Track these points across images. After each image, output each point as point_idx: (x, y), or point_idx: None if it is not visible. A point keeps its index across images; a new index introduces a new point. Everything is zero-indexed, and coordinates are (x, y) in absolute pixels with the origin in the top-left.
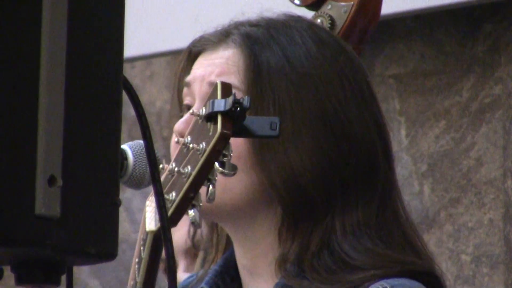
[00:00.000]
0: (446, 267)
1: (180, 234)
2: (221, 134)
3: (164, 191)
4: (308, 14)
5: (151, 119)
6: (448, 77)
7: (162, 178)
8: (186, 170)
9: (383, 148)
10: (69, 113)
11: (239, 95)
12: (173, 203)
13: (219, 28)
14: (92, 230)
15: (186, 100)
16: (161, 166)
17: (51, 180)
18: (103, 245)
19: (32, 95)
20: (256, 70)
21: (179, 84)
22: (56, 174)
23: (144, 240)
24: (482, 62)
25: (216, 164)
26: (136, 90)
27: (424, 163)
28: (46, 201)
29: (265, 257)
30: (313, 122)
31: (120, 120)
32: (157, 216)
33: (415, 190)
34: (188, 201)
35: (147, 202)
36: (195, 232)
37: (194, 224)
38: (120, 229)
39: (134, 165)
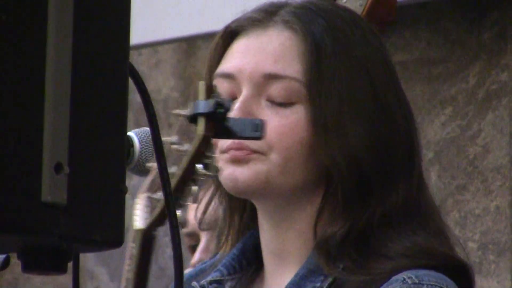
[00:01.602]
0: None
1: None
2: (202, 136)
3: (152, 190)
4: None
5: (157, 106)
6: (455, 64)
7: (150, 176)
8: (173, 170)
9: (416, 137)
10: (76, 100)
11: (298, 87)
12: (159, 203)
13: (263, 8)
14: (99, 218)
15: (223, 89)
16: (148, 165)
17: (58, 168)
18: (109, 233)
19: (38, 82)
20: (316, 55)
21: (210, 71)
22: (63, 161)
23: (134, 237)
24: (489, 49)
25: (200, 166)
26: (142, 77)
27: (430, 151)
28: (53, 189)
29: (296, 241)
30: (369, 105)
31: (127, 107)
32: (146, 214)
33: None
34: (175, 201)
35: (136, 200)
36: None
37: (182, 224)
38: (126, 216)
39: (141, 152)
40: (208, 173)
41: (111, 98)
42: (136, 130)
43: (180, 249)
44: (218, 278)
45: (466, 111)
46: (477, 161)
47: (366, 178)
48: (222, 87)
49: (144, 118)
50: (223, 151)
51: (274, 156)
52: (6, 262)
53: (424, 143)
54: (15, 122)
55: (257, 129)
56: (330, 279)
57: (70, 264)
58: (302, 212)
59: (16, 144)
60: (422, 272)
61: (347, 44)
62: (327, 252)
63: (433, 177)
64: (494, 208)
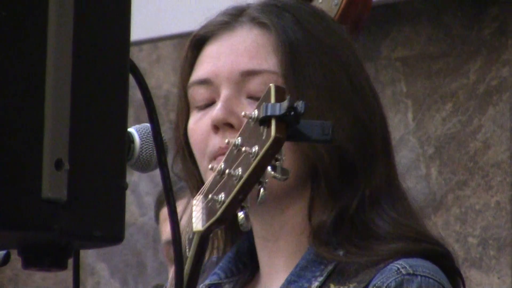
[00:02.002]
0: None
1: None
2: (275, 138)
3: (213, 191)
4: None
5: (158, 103)
6: (455, 59)
7: (210, 178)
8: (237, 173)
9: (386, 121)
10: (76, 97)
11: (276, 79)
12: (222, 204)
13: (229, 9)
14: (99, 214)
15: (200, 98)
16: (210, 166)
17: (58, 164)
18: (110, 229)
19: (39, 79)
20: (288, 49)
21: (185, 81)
22: (63, 157)
23: (190, 240)
24: (489, 44)
25: (268, 168)
26: (143, 73)
27: (431, 146)
28: (53, 185)
29: (291, 237)
30: (347, 94)
31: (127, 104)
32: (204, 216)
33: (422, 173)
34: (237, 203)
35: (194, 202)
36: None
37: (242, 226)
38: (127, 212)
39: (141, 148)
40: (277, 175)
41: (112, 94)
42: (137, 126)
43: (180, 246)
44: (216, 282)
45: (467, 107)
46: (478, 156)
47: (349, 165)
48: (199, 94)
49: (144, 114)
50: (211, 158)
51: None
52: (7, 258)
53: (424, 138)
54: (15, 118)
55: (326, 132)
56: (330, 268)
57: (70, 260)
58: (294, 208)
59: (17, 140)
60: (415, 262)
61: (316, 34)
62: (324, 240)
63: (433, 173)
64: (495, 203)
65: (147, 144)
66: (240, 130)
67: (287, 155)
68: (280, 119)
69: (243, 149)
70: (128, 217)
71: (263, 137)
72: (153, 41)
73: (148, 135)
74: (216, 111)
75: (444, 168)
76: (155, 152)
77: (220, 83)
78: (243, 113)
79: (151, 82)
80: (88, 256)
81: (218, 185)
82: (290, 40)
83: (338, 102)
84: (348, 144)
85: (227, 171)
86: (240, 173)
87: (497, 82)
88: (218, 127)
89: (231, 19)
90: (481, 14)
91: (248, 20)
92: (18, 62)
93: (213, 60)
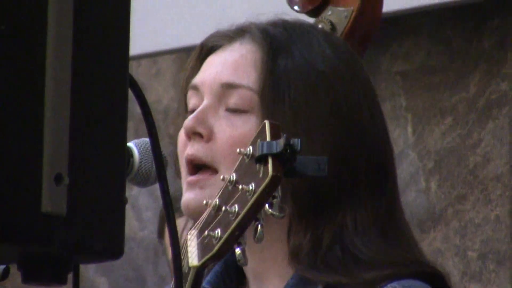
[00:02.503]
0: (452, 264)
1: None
2: (273, 177)
3: (209, 227)
4: (306, 19)
5: (157, 117)
6: (455, 73)
7: (205, 213)
8: (234, 209)
9: (390, 152)
10: (75, 111)
11: (252, 95)
12: (219, 240)
13: (234, 26)
14: (99, 228)
15: (191, 104)
16: (204, 202)
17: (58, 178)
18: (109, 243)
19: (38, 94)
20: (273, 69)
21: (186, 85)
22: (63, 172)
23: (186, 274)
24: (489, 58)
25: (266, 205)
26: (142, 88)
27: (430, 160)
28: (53, 199)
29: (274, 259)
30: (327, 120)
31: (126, 118)
32: (199, 252)
33: (421, 186)
34: (234, 239)
35: (188, 237)
36: None
37: (240, 261)
38: (126, 226)
39: (140, 162)
40: (274, 212)
41: (111, 108)
42: (136, 140)
43: (180, 260)
44: None
45: (466, 120)
46: (477, 170)
47: (323, 193)
48: (191, 99)
49: (144, 128)
50: (183, 166)
51: (224, 171)
52: (6, 273)
53: (424, 152)
54: (15, 132)
55: (322, 168)
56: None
57: (70, 275)
58: (272, 230)
59: (16, 155)
60: (408, 283)
61: (309, 58)
62: (306, 264)
63: (433, 187)
64: (494, 217)
65: (146, 159)
66: (235, 166)
67: None
68: (277, 157)
69: (239, 186)
70: (128, 231)
71: (260, 175)
72: (152, 56)
73: (147, 150)
74: (187, 119)
75: (443, 182)
76: (154, 166)
77: (204, 91)
78: (238, 150)
79: (150, 97)
80: (88, 270)
81: (214, 221)
82: (273, 59)
83: (315, 130)
84: None
85: (223, 207)
86: (237, 210)
87: (496, 95)
88: (189, 135)
89: (235, 33)
90: (480, 27)
91: (247, 36)
92: (17, 77)
93: (205, 69)
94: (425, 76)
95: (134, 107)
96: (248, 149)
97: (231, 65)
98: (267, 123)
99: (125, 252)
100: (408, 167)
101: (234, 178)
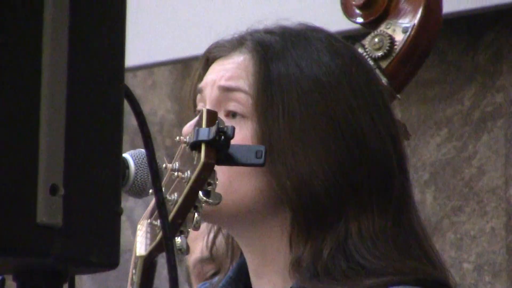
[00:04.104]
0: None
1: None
2: (204, 164)
3: (153, 216)
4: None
5: (153, 129)
6: (450, 86)
7: (152, 203)
8: (173, 197)
9: (397, 159)
10: (71, 123)
11: (247, 99)
12: (160, 230)
13: (236, 35)
14: (94, 239)
15: (199, 106)
16: (150, 191)
17: (53, 189)
18: (105, 254)
19: (34, 105)
20: (266, 74)
21: (194, 91)
22: (58, 183)
23: (135, 264)
24: (484, 71)
25: (200, 193)
26: (138, 99)
27: (426, 172)
28: (48, 210)
29: (275, 263)
30: (323, 127)
31: (122, 130)
32: (147, 241)
33: (417, 198)
34: (176, 227)
35: (138, 226)
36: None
37: (181, 251)
38: (122, 238)
39: (136, 174)
40: (209, 200)
41: (106, 120)
42: (131, 151)
43: (176, 272)
44: None
45: (462, 133)
46: (473, 182)
47: (320, 202)
48: (199, 103)
49: (140, 140)
50: None
51: (218, 176)
52: (2, 284)
53: (419, 164)
54: (10, 144)
55: (259, 156)
56: None
57: (65, 286)
58: (273, 235)
59: (12, 165)
60: None
61: (304, 65)
62: (306, 274)
63: (428, 198)
64: (490, 229)
65: (142, 170)
66: (177, 154)
67: (248, 181)
68: (209, 144)
69: (179, 174)
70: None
71: (195, 162)
72: (148, 67)
73: (143, 161)
74: (185, 126)
75: (439, 194)
76: (150, 178)
77: (206, 95)
78: (177, 138)
79: (146, 108)
80: (84, 281)
81: (157, 210)
82: (269, 67)
83: (311, 138)
84: (315, 180)
85: (166, 196)
86: (175, 198)
87: (492, 108)
88: None
89: (232, 45)
90: (476, 40)
91: (243, 46)
92: (12, 87)
93: (207, 75)
94: (420, 88)
95: (130, 119)
96: (188, 137)
97: (229, 71)
98: (204, 110)
99: (120, 263)
100: None
101: (176, 166)
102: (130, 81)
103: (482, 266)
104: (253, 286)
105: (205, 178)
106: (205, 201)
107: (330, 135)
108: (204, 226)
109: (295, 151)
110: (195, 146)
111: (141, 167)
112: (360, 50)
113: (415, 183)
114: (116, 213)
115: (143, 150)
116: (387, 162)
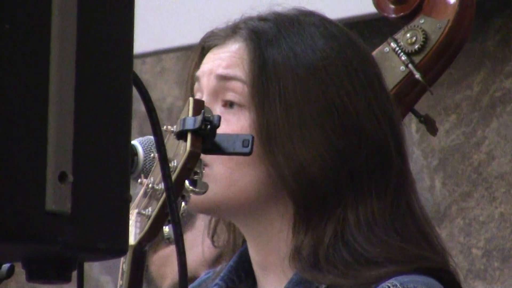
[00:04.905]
0: (457, 261)
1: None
2: (190, 152)
3: (142, 205)
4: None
5: (161, 115)
6: (459, 71)
7: (141, 192)
8: (161, 186)
9: (395, 142)
10: (79, 109)
11: (244, 88)
12: (149, 218)
13: (230, 23)
14: (103, 226)
15: (197, 95)
16: (139, 180)
17: (62, 176)
18: (113, 241)
19: (42, 92)
20: (261, 62)
21: (191, 80)
22: (67, 170)
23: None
24: (493, 56)
25: (187, 182)
26: (146, 86)
27: (435, 158)
28: (57, 197)
29: (278, 253)
30: (320, 113)
31: (131, 116)
32: (136, 230)
33: (426, 184)
34: (163, 217)
35: None
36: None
37: (169, 240)
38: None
39: (145, 161)
40: (195, 189)
41: (115, 107)
42: (140, 138)
43: (185, 257)
44: None
45: (470, 118)
46: (482, 168)
47: (319, 188)
48: (197, 93)
49: (148, 126)
50: None
51: (217, 167)
52: (11, 271)
53: (428, 150)
54: (19, 131)
55: (246, 144)
56: (323, 286)
57: (74, 273)
58: (276, 225)
59: (20, 153)
60: (406, 278)
61: (299, 51)
62: (306, 264)
63: (437, 184)
64: (499, 215)
65: (150, 157)
66: (143, 144)
67: (248, 171)
68: (195, 133)
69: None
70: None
71: (181, 151)
72: (157, 54)
73: (152, 148)
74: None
75: (448, 180)
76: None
77: (203, 86)
78: (164, 127)
79: (154, 95)
80: (92, 268)
81: (146, 200)
82: (263, 55)
83: (309, 125)
84: (317, 167)
85: (151, 185)
86: (163, 187)
87: (500, 93)
88: None
89: (226, 33)
90: (484, 26)
91: (237, 35)
92: (21, 75)
93: (204, 64)
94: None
95: (138, 105)
96: (175, 126)
97: (224, 60)
98: (191, 99)
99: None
100: (413, 165)
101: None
102: (139, 67)
103: (491, 251)
104: (257, 278)
105: (191, 167)
106: (192, 190)
107: (327, 121)
108: (194, 236)
109: (292, 139)
110: (181, 135)
111: (149, 154)
112: (393, 44)
113: (424, 169)
114: (124, 200)
115: (151, 137)
116: (384, 145)
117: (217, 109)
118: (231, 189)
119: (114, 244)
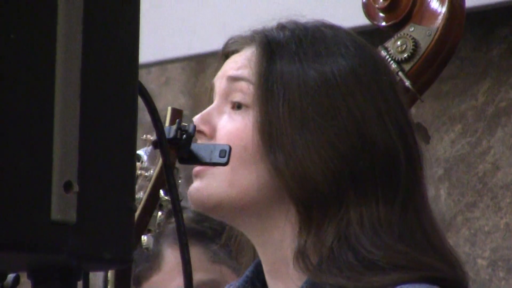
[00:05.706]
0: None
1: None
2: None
3: None
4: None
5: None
6: (464, 81)
7: None
8: (139, 196)
9: (405, 151)
10: (85, 119)
11: (249, 87)
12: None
13: (250, 30)
14: (108, 236)
15: (214, 100)
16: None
17: (67, 186)
18: (118, 251)
19: (48, 101)
20: (268, 64)
21: (211, 87)
22: (72, 179)
23: None
24: (498, 66)
25: (161, 192)
26: (151, 95)
27: (440, 168)
28: (62, 207)
29: (285, 260)
30: (323, 116)
31: (136, 126)
32: None
33: (431, 194)
34: (142, 225)
35: None
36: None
37: (147, 249)
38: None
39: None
40: (169, 199)
41: (120, 116)
42: (145, 148)
43: (190, 267)
44: None
45: (476, 128)
46: (487, 178)
47: (320, 189)
48: (214, 96)
49: (153, 136)
50: None
51: (219, 168)
52: (16, 281)
53: (433, 160)
54: (24, 141)
55: (223, 155)
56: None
57: (80, 283)
58: (280, 227)
59: (26, 162)
60: (411, 287)
61: (310, 57)
62: (311, 267)
63: (442, 194)
64: (504, 225)
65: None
66: (148, 154)
67: (250, 171)
68: (170, 142)
69: (142, 172)
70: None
71: (157, 160)
72: (162, 64)
73: (157, 158)
74: (193, 119)
75: (453, 190)
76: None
77: (217, 89)
78: (144, 136)
79: (160, 104)
80: (98, 278)
81: None
82: (271, 57)
83: (312, 128)
84: (312, 167)
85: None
86: (141, 196)
87: (506, 103)
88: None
89: (244, 40)
90: (489, 35)
91: (253, 41)
92: (26, 86)
93: (223, 67)
94: (434, 84)
95: (143, 115)
96: (154, 135)
97: (238, 62)
98: (169, 108)
99: (134, 259)
100: None
101: (146, 165)
102: (144, 77)
103: (496, 262)
104: (268, 285)
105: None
106: (166, 200)
107: (330, 125)
108: (161, 278)
109: (294, 139)
110: (157, 144)
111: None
112: (383, 52)
113: (429, 179)
114: (130, 209)
115: None
116: (392, 154)
117: (226, 111)
118: (233, 188)
119: (119, 253)
